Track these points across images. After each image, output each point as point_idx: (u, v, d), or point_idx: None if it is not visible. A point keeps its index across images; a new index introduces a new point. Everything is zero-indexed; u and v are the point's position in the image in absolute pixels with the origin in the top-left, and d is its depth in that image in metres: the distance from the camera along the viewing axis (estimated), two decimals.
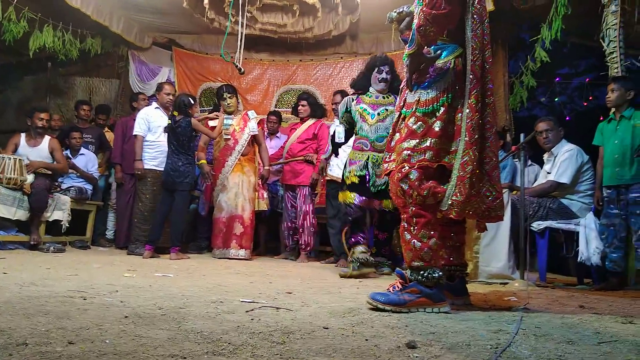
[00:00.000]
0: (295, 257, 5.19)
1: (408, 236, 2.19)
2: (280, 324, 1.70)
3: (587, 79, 6.51)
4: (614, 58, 3.95)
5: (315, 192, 5.45)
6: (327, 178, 5.13)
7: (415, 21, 2.14)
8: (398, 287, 2.19)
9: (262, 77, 6.98)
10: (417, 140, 2.21)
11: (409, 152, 2.21)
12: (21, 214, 4.62)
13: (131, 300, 2.02)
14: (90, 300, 1.95)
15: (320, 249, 5.70)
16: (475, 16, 2.20)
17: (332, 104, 5.19)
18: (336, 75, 6.78)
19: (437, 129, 2.20)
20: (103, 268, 3.38)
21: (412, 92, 2.34)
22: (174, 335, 1.45)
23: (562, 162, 3.95)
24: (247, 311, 1.91)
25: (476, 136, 2.15)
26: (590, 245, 3.76)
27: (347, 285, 3.03)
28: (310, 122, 5.27)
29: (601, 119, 4.34)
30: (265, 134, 5.86)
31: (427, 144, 2.19)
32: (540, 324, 1.92)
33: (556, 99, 6.73)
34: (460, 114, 2.21)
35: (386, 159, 2.50)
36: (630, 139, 3.64)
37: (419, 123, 2.23)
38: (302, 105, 5.28)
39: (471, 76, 2.17)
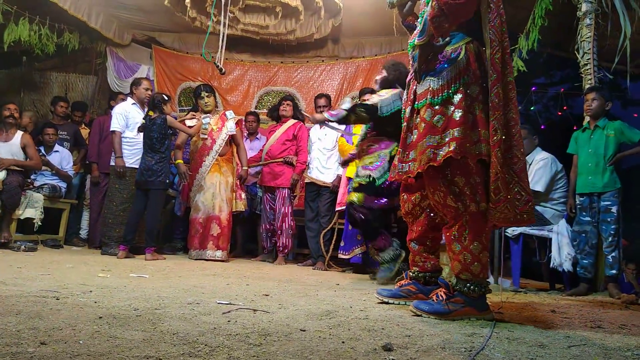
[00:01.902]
0: (273, 259, 5.18)
1: (458, 247, 2.12)
2: (257, 326, 1.69)
3: (562, 89, 6.67)
4: (588, 70, 4.06)
5: (294, 194, 5.45)
6: (307, 180, 5.14)
7: (428, 10, 2.04)
8: (442, 297, 2.14)
9: (242, 78, 6.95)
10: (439, 136, 2.09)
11: (432, 150, 2.09)
12: None
13: (105, 300, 1.99)
14: (63, 301, 1.91)
15: (298, 252, 5.71)
16: (491, 5, 2.09)
17: (317, 107, 5.19)
18: (317, 78, 6.79)
19: (457, 117, 2.08)
20: (76, 268, 3.31)
21: (421, 82, 2.24)
22: (149, 337, 1.44)
23: (536, 170, 4.04)
24: (223, 313, 1.90)
25: (500, 136, 2.03)
26: (562, 251, 3.85)
27: (324, 288, 3.04)
28: (290, 123, 5.26)
29: (575, 128, 4.45)
30: (245, 134, 5.84)
31: (450, 136, 2.07)
32: (513, 327, 1.96)
33: (532, 108, 6.87)
34: (477, 103, 2.10)
35: (402, 159, 2.35)
36: (604, 149, 3.75)
37: (438, 116, 2.12)
38: (287, 104, 5.28)
39: (491, 71, 2.06)
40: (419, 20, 2.34)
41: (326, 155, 5.05)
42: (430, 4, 2.05)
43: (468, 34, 2.18)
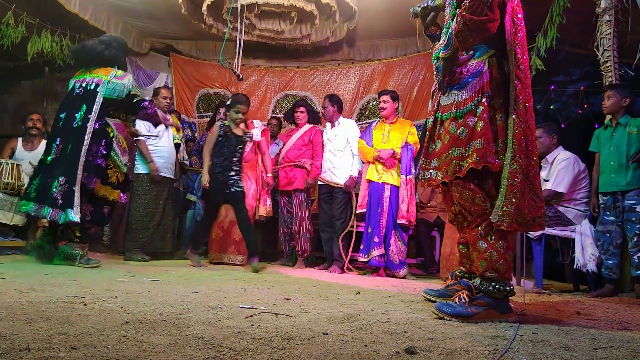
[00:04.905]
0: (293, 263, 5.20)
1: (484, 245, 2.15)
2: (280, 329, 1.71)
3: (582, 87, 6.56)
4: (608, 67, 4.00)
5: (312, 198, 5.46)
6: (319, 182, 5.14)
7: (454, 25, 2.11)
8: (464, 299, 2.16)
9: (259, 84, 7.01)
10: (464, 148, 2.18)
11: (457, 161, 2.18)
12: (18, 219, 4.60)
13: (131, 305, 2.03)
14: (91, 306, 1.95)
15: (317, 255, 5.72)
16: (514, 19, 2.15)
17: (322, 108, 5.23)
18: (333, 82, 6.82)
19: (480, 129, 2.16)
20: (101, 273, 3.38)
21: (446, 95, 2.31)
22: (175, 341, 1.46)
23: (559, 170, 3.98)
24: (246, 317, 1.92)
25: (524, 144, 2.10)
26: (586, 251, 3.79)
27: (345, 291, 3.05)
28: (305, 128, 5.29)
29: (596, 126, 4.38)
30: None
31: (473, 148, 2.16)
32: (537, 330, 1.95)
33: (551, 107, 6.77)
34: (499, 114, 2.18)
35: (425, 167, 2.44)
36: (626, 146, 3.69)
37: (462, 128, 2.20)
38: (301, 112, 5.30)
39: (516, 81, 2.12)
40: (443, 31, 2.39)
41: (337, 156, 5.05)
42: (455, 19, 2.11)
43: (491, 47, 2.24)
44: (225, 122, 4.59)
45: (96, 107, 3.70)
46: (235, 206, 4.48)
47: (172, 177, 5.22)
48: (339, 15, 5.59)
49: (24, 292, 2.24)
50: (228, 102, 4.73)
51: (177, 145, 5.30)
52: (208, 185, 4.39)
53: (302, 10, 5.36)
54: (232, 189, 4.42)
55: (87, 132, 3.66)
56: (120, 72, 3.84)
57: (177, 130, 5.37)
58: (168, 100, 5.19)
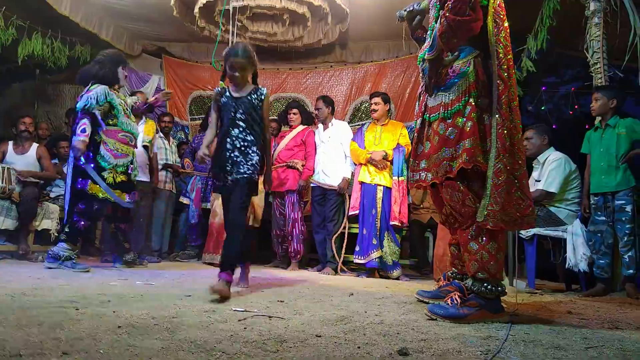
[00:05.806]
0: (286, 265, 5.19)
1: (475, 246, 2.17)
2: (273, 332, 1.71)
3: (573, 88, 6.62)
4: (597, 68, 4.04)
5: (305, 199, 5.46)
6: (312, 184, 5.14)
7: (437, 27, 2.13)
8: (456, 300, 2.17)
9: None
10: (453, 148, 2.20)
11: (447, 162, 2.20)
12: (9, 224, 4.57)
13: (124, 310, 2.02)
14: (83, 310, 1.94)
15: (310, 257, 5.71)
16: (496, 20, 2.18)
17: (315, 109, 5.24)
18: (326, 84, 6.83)
19: (468, 129, 2.18)
20: (93, 277, 3.36)
21: (433, 96, 2.33)
22: (167, 345, 1.46)
23: (550, 171, 4.01)
24: (239, 320, 1.92)
25: (508, 143, 2.11)
26: (577, 251, 3.82)
27: (338, 293, 3.05)
28: (299, 129, 5.30)
29: (587, 127, 4.41)
30: None
31: (462, 148, 2.17)
32: (529, 330, 1.96)
33: (543, 108, 6.83)
34: (486, 114, 2.19)
35: (414, 168, 2.47)
36: (615, 147, 3.72)
37: (450, 129, 2.22)
38: (294, 114, 5.31)
39: (499, 81, 2.14)
40: (428, 33, 2.40)
41: (330, 157, 5.05)
42: (439, 20, 2.12)
43: (475, 48, 2.26)
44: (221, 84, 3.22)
45: (78, 120, 3.95)
46: (231, 197, 3.01)
47: (142, 179, 5.05)
48: (331, 17, 5.60)
49: (15, 296, 2.22)
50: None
51: (145, 148, 5.11)
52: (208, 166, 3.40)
53: (295, 12, 5.36)
54: (232, 177, 2.98)
55: (74, 143, 3.90)
56: (93, 87, 3.94)
57: (151, 131, 5.18)
58: (139, 103, 4.97)
